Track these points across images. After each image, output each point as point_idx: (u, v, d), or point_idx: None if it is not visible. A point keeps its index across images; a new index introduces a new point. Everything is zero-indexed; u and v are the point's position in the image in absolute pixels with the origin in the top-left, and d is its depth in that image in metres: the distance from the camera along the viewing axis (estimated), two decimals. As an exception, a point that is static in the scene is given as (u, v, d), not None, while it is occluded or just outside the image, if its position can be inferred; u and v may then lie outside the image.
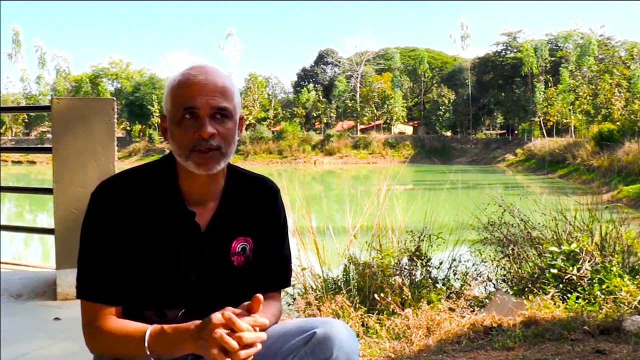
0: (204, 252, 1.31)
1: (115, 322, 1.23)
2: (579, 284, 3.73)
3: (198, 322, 1.14)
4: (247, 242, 1.37)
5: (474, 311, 3.67)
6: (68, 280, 3.32)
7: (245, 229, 1.37)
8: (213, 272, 1.32)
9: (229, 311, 1.11)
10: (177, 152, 1.26)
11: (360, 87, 61.02)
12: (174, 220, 1.29)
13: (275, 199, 1.44)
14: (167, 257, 1.28)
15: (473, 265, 4.56)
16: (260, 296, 1.15)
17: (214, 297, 1.33)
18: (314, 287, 4.02)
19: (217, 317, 1.10)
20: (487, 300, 3.96)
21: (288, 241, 1.49)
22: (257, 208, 1.40)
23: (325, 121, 60.58)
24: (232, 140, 1.28)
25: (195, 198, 1.32)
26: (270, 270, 1.43)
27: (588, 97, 43.50)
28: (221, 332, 1.08)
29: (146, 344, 1.16)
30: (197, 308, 1.30)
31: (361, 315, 3.44)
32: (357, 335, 3.21)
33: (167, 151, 1.36)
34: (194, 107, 1.23)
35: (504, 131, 61.82)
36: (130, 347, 1.18)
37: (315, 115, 60.68)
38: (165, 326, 1.17)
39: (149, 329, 1.17)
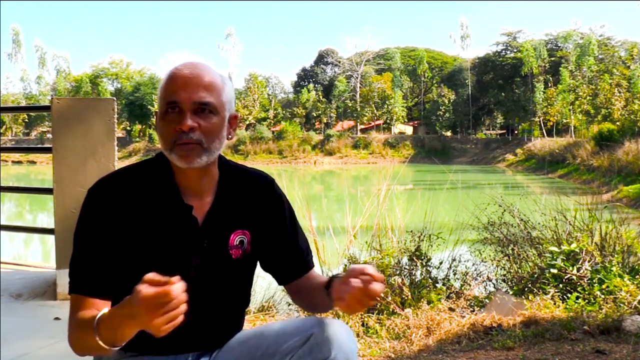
0: (202, 244, 1.31)
1: (84, 313, 1.19)
2: (579, 284, 3.73)
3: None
4: (244, 235, 1.37)
5: (474, 311, 3.67)
6: (68, 280, 3.31)
7: (243, 222, 1.37)
8: (211, 266, 1.33)
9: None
10: (163, 147, 1.28)
11: (360, 87, 60.98)
12: (171, 215, 1.30)
13: (270, 189, 1.44)
14: (166, 251, 1.28)
15: (473, 265, 4.57)
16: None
17: (213, 291, 1.33)
18: (314, 287, 4.01)
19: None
20: (487, 300, 3.96)
21: (300, 227, 1.50)
22: (254, 201, 1.40)
23: (325, 121, 60.55)
24: (216, 135, 1.27)
25: (192, 192, 1.32)
26: (291, 257, 1.45)
27: (588, 97, 43.51)
28: (148, 289, 0.98)
29: (95, 329, 1.10)
30: (197, 302, 1.31)
31: (361, 315, 3.44)
32: (357, 335, 3.21)
33: None
34: (176, 101, 1.23)
35: (504, 131, 61.80)
36: (86, 336, 1.12)
37: (315, 115, 60.65)
38: (110, 310, 1.10)
39: (100, 313, 1.11)
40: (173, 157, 1.25)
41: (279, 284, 1.50)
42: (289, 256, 1.45)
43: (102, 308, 1.21)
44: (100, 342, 1.09)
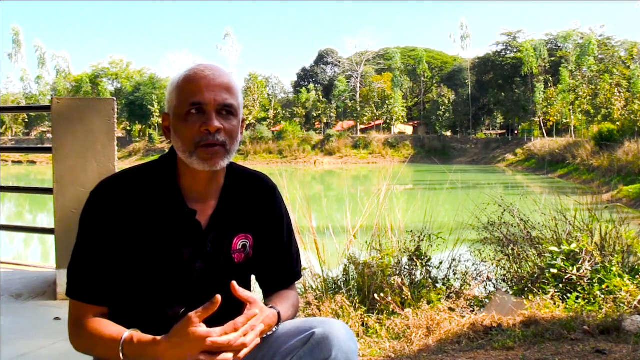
0: (206, 248, 1.31)
1: (98, 323, 1.23)
2: (578, 284, 3.73)
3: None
4: (247, 239, 1.37)
5: (474, 311, 3.67)
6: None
7: (245, 226, 1.37)
8: (214, 269, 1.32)
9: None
10: (182, 149, 1.25)
11: (360, 87, 60.97)
12: (174, 219, 1.29)
13: (273, 195, 1.44)
14: (169, 255, 1.28)
15: (473, 265, 4.57)
16: (218, 297, 1.15)
17: (213, 292, 1.33)
18: (314, 287, 4.02)
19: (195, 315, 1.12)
20: (487, 300, 3.96)
21: (294, 236, 1.50)
22: (256, 205, 1.40)
23: (325, 121, 60.53)
24: (236, 138, 1.28)
25: (196, 196, 1.32)
26: (282, 266, 1.45)
27: (588, 97, 43.50)
28: (205, 330, 1.11)
29: (120, 350, 1.16)
30: (198, 306, 1.31)
31: (361, 315, 3.45)
32: (357, 335, 3.21)
33: (167, 151, 1.36)
34: (201, 102, 1.22)
35: (504, 131, 61.79)
36: (108, 350, 1.18)
37: (315, 115, 60.63)
38: (141, 334, 1.17)
39: (125, 334, 1.17)
40: (194, 160, 1.24)
41: (264, 291, 1.49)
42: (280, 265, 1.45)
43: (103, 315, 1.26)
44: (122, 358, 1.16)
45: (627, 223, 4.61)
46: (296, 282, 1.50)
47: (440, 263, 4.31)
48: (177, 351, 1.10)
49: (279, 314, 1.28)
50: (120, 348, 1.15)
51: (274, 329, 1.26)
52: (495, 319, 3.29)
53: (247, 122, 57.99)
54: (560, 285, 3.79)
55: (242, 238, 1.36)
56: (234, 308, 1.38)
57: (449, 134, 60.78)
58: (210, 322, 1.34)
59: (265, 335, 1.24)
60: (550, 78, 54.41)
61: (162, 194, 1.30)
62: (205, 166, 1.24)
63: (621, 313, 3.20)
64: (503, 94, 57.64)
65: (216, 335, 1.10)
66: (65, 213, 3.32)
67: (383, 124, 60.41)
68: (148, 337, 1.15)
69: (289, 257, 1.46)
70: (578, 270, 3.80)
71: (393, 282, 3.78)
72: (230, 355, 1.11)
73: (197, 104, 1.23)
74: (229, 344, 1.10)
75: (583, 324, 3.07)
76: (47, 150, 3.63)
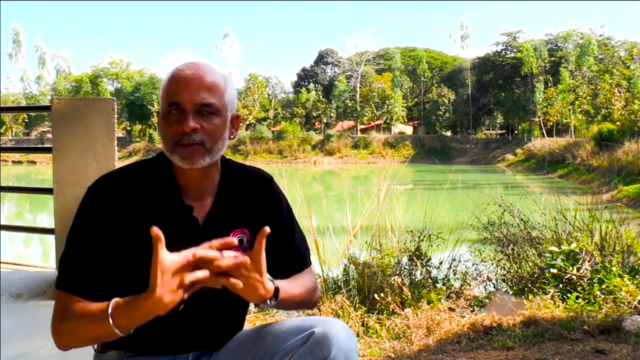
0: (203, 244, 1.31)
1: (83, 303, 1.22)
2: (578, 283, 3.74)
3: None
4: (244, 234, 1.37)
5: (473, 311, 3.68)
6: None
7: (242, 221, 1.38)
8: None
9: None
10: (165, 147, 1.28)
11: (360, 87, 60.98)
12: (172, 215, 1.30)
13: (269, 186, 1.44)
14: None
15: (473, 265, 4.57)
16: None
17: (213, 290, 1.33)
18: (314, 287, 4.02)
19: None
20: (487, 300, 3.96)
21: (297, 224, 1.49)
22: (253, 199, 1.40)
23: (325, 121, 60.54)
24: (218, 136, 1.28)
25: (192, 193, 1.33)
26: (288, 255, 1.43)
27: (588, 97, 43.53)
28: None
29: (110, 316, 1.13)
30: (197, 301, 1.30)
31: (361, 315, 3.45)
32: (357, 335, 3.21)
33: None
34: (178, 102, 1.24)
35: (504, 131, 61.80)
36: (96, 323, 1.16)
37: (315, 115, 60.65)
38: (127, 297, 1.14)
39: (112, 301, 1.14)
40: (175, 157, 1.26)
41: None
42: (285, 254, 1.44)
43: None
44: (116, 330, 1.13)
45: (627, 223, 4.61)
46: (309, 269, 1.47)
47: (440, 263, 4.32)
48: (163, 290, 1.08)
49: (276, 288, 1.23)
50: (110, 314, 1.12)
51: (268, 302, 1.22)
52: (495, 319, 3.29)
53: (247, 122, 58.08)
54: (560, 285, 3.80)
55: (238, 233, 1.36)
56: (231, 304, 1.38)
57: (449, 134, 60.77)
58: (209, 317, 1.34)
59: (261, 307, 1.22)
60: (550, 78, 54.42)
61: (160, 191, 1.31)
62: (185, 164, 1.26)
63: (621, 313, 3.20)
64: (503, 94, 57.63)
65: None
66: (65, 213, 3.32)
67: (383, 124, 60.41)
68: (134, 295, 1.12)
69: (293, 245, 1.45)
70: (578, 270, 3.80)
71: (393, 282, 3.78)
72: (205, 271, 1.11)
73: (175, 104, 1.24)
74: (203, 259, 1.11)
75: (583, 324, 3.07)
76: (47, 150, 3.63)
